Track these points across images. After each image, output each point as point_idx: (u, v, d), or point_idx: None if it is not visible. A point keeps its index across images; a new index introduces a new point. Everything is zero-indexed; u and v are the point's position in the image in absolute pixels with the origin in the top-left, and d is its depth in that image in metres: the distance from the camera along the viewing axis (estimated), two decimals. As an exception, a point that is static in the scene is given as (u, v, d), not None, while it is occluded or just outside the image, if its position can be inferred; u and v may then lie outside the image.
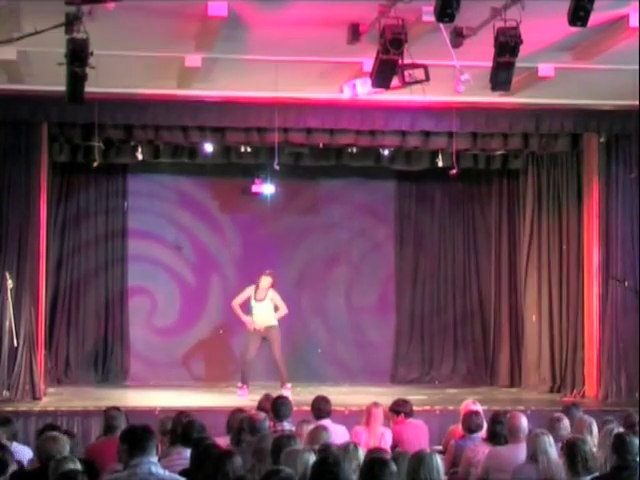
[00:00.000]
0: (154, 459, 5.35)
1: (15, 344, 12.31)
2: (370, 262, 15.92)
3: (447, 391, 14.31)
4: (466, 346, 15.83)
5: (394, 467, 5.28)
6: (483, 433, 7.93)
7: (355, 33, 9.60)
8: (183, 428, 7.20)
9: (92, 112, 11.80)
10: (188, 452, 6.62)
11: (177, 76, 11.78)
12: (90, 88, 9.43)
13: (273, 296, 13.28)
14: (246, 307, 13.33)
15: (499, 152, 14.40)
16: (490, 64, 9.17)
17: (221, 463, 5.69)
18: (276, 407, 8.17)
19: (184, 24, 9.71)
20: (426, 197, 16.05)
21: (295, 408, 8.46)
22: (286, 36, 10.07)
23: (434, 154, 14.06)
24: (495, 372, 15.51)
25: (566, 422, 7.49)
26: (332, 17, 9.44)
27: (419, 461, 5.68)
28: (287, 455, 5.87)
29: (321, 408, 8.55)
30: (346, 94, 11.01)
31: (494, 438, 7.54)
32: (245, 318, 13.23)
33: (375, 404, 8.86)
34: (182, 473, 5.91)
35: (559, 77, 11.42)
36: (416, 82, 9.74)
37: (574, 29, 8.53)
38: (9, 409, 11.28)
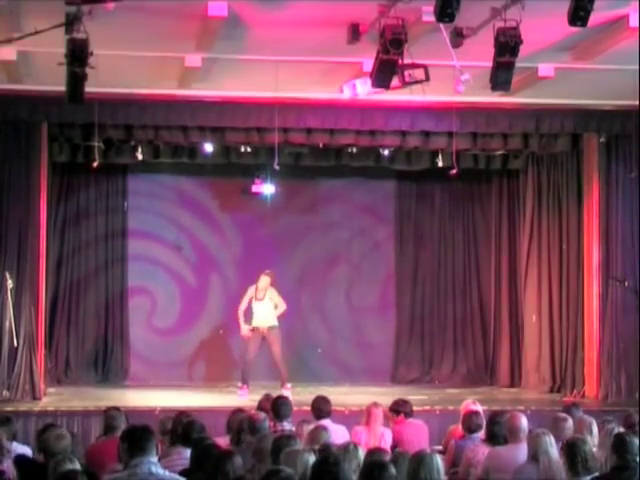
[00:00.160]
0: (154, 459, 5.35)
1: (15, 344, 12.31)
2: (370, 262, 15.92)
3: (447, 391, 14.31)
4: (466, 346, 15.83)
5: (393, 470, 5.28)
6: (483, 433, 7.92)
7: (355, 33, 9.60)
8: (183, 428, 7.20)
9: (92, 112, 11.81)
10: (188, 452, 6.62)
11: (177, 76, 11.78)
12: (90, 88, 9.42)
13: (272, 294, 13.28)
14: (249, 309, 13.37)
15: (499, 152, 14.41)
16: (490, 64, 9.17)
17: (221, 463, 5.69)
18: (276, 407, 8.17)
19: (184, 24, 9.71)
20: (426, 197, 16.05)
21: (295, 408, 8.46)
22: (286, 36, 10.07)
23: (434, 154, 14.06)
24: (495, 372, 15.51)
25: (570, 422, 7.49)
26: (332, 17, 9.44)
27: (419, 461, 5.68)
28: (287, 455, 5.87)
29: (321, 408, 8.55)
30: (346, 94, 11.01)
31: (493, 439, 7.54)
32: (242, 326, 13.23)
33: (375, 404, 8.86)
34: (182, 473, 5.91)
35: (559, 77, 11.42)
36: (416, 82, 9.74)
37: (574, 29, 8.53)
38: (9, 409, 11.27)
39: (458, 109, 12.72)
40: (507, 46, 8.79)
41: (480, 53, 9.13)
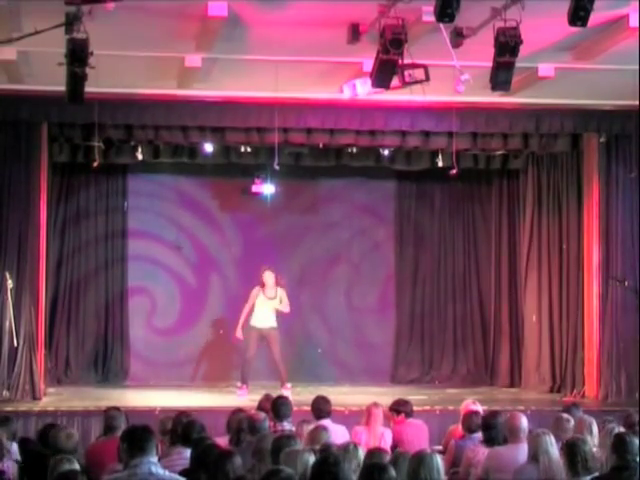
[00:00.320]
0: (154, 459, 5.34)
1: (15, 344, 12.31)
2: (370, 262, 15.91)
3: (447, 391, 14.31)
4: (466, 346, 15.82)
5: (393, 472, 5.27)
6: (483, 433, 7.93)
7: (355, 33, 9.60)
8: (183, 428, 7.21)
9: (92, 112, 11.80)
10: (188, 452, 6.63)
11: (177, 76, 11.78)
12: (90, 88, 9.43)
13: (282, 295, 13.27)
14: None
15: (499, 152, 14.40)
16: (490, 64, 9.17)
17: (221, 463, 5.69)
18: (276, 407, 8.17)
19: (184, 24, 9.71)
20: (426, 197, 16.04)
21: (295, 408, 8.47)
22: (286, 36, 10.07)
23: (434, 154, 14.06)
24: (495, 372, 15.51)
25: (572, 423, 7.49)
26: (332, 17, 9.44)
27: (419, 461, 5.68)
28: (287, 455, 5.88)
29: (321, 408, 8.55)
30: (346, 94, 11.01)
31: (489, 441, 7.53)
32: (240, 329, 13.22)
33: (375, 404, 8.86)
34: (182, 473, 5.91)
35: (559, 77, 11.42)
36: (416, 82, 9.74)
37: (574, 29, 8.53)
38: (9, 409, 11.27)
39: (458, 109, 12.72)
40: (507, 46, 8.79)
41: (480, 53, 9.13)
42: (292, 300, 13.60)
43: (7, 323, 12.26)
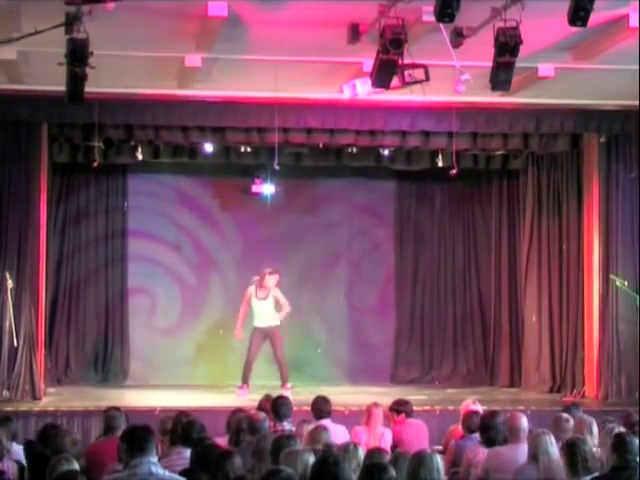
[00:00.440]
0: (154, 459, 5.34)
1: (15, 344, 12.31)
2: (370, 262, 15.91)
3: (447, 391, 14.31)
4: (466, 346, 15.82)
5: (393, 472, 5.27)
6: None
7: (355, 33, 9.60)
8: (183, 428, 7.20)
9: (92, 112, 11.81)
10: (188, 452, 6.63)
11: (177, 76, 11.78)
12: (90, 88, 9.43)
13: (275, 294, 13.27)
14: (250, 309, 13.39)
15: (499, 152, 14.40)
16: (490, 64, 9.17)
17: (221, 463, 5.70)
18: (276, 407, 8.17)
19: (184, 24, 9.71)
20: (426, 197, 16.04)
21: (295, 408, 8.47)
22: (286, 36, 10.07)
23: (434, 154, 14.06)
24: (495, 372, 15.50)
25: (572, 423, 7.49)
26: (332, 17, 9.44)
27: (419, 461, 5.68)
28: (287, 455, 5.88)
29: (321, 408, 8.55)
30: (346, 94, 11.01)
31: (487, 442, 7.53)
32: (239, 328, 13.23)
33: (375, 404, 8.87)
34: (182, 473, 5.91)
35: (559, 77, 11.42)
36: (416, 82, 9.74)
37: (574, 29, 8.53)
38: (9, 409, 11.27)
39: (458, 109, 12.72)
40: (507, 46, 8.79)
41: (480, 53, 9.13)
42: (292, 300, 13.60)
43: (7, 323, 12.26)
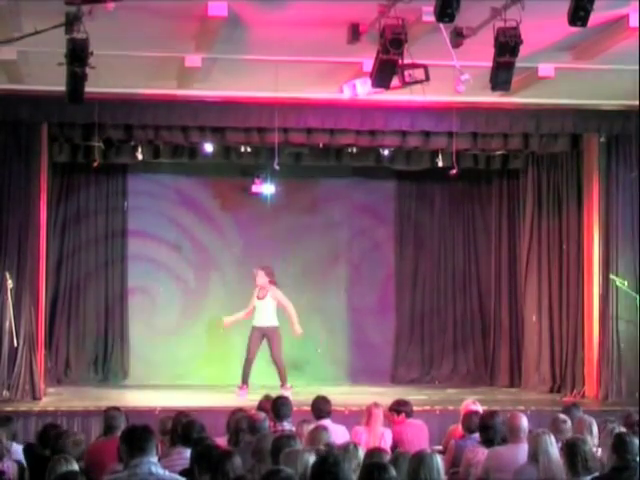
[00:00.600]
0: (154, 459, 5.35)
1: (15, 344, 12.31)
2: (370, 262, 15.91)
3: (447, 391, 14.31)
4: (466, 346, 15.82)
5: (393, 472, 5.27)
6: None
7: (355, 33, 9.60)
8: (183, 428, 7.21)
9: (92, 112, 11.81)
10: (188, 452, 6.63)
11: (177, 76, 11.78)
12: (90, 88, 9.43)
13: (275, 294, 13.26)
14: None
15: (499, 152, 14.40)
16: (490, 64, 9.17)
17: (221, 463, 5.69)
18: (276, 407, 8.17)
19: (184, 24, 9.70)
20: (426, 197, 16.04)
21: (295, 408, 8.46)
22: (286, 36, 10.07)
23: (434, 154, 14.05)
24: (495, 372, 15.50)
25: (569, 424, 7.49)
26: (332, 17, 9.43)
27: (419, 461, 5.68)
28: (287, 455, 5.87)
29: (321, 408, 8.55)
30: (346, 94, 11.01)
31: (486, 442, 7.53)
32: (231, 318, 13.25)
33: (375, 404, 8.87)
34: (182, 473, 5.92)
35: (559, 77, 11.42)
36: (416, 82, 9.74)
37: (574, 29, 8.53)
38: (9, 409, 11.27)
39: (458, 109, 12.72)
40: (507, 46, 8.79)
41: (480, 53, 9.13)
42: (292, 300, 13.60)
43: (7, 323, 12.26)
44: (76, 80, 9.17)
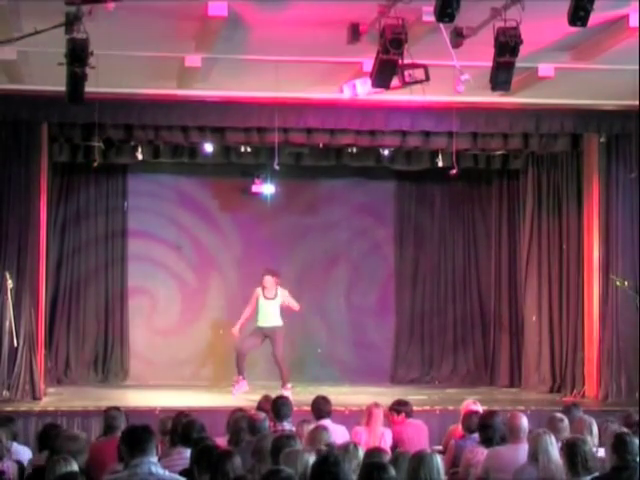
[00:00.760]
0: (154, 459, 5.35)
1: (15, 344, 12.31)
2: (370, 262, 15.91)
3: (447, 391, 14.31)
4: (466, 346, 15.83)
5: (393, 472, 5.28)
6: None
7: (355, 33, 9.59)
8: (183, 428, 7.20)
9: (92, 112, 11.79)
10: (188, 452, 6.63)
11: (177, 76, 11.78)
12: (90, 88, 9.42)
13: (283, 294, 13.24)
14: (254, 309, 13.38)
15: (499, 152, 14.41)
16: (490, 64, 9.17)
17: (221, 463, 5.70)
18: (276, 407, 8.17)
19: (184, 24, 9.71)
20: (426, 197, 16.05)
21: (295, 408, 8.47)
22: (286, 36, 10.07)
23: (434, 154, 14.06)
24: (495, 372, 15.51)
25: (566, 422, 7.49)
26: (332, 17, 9.43)
27: (419, 461, 5.68)
28: (287, 455, 5.87)
29: (321, 408, 8.55)
30: (346, 94, 11.00)
31: (486, 442, 7.53)
32: (237, 327, 13.20)
33: (375, 404, 8.87)
34: (182, 473, 5.92)
35: (559, 77, 11.42)
36: (416, 82, 9.73)
37: (574, 29, 8.52)
38: (9, 409, 11.28)
39: (458, 109, 12.71)
40: (507, 46, 8.79)
41: (480, 53, 9.13)
42: (292, 300, 13.61)
43: (7, 323, 12.26)
44: (76, 80, 9.16)
